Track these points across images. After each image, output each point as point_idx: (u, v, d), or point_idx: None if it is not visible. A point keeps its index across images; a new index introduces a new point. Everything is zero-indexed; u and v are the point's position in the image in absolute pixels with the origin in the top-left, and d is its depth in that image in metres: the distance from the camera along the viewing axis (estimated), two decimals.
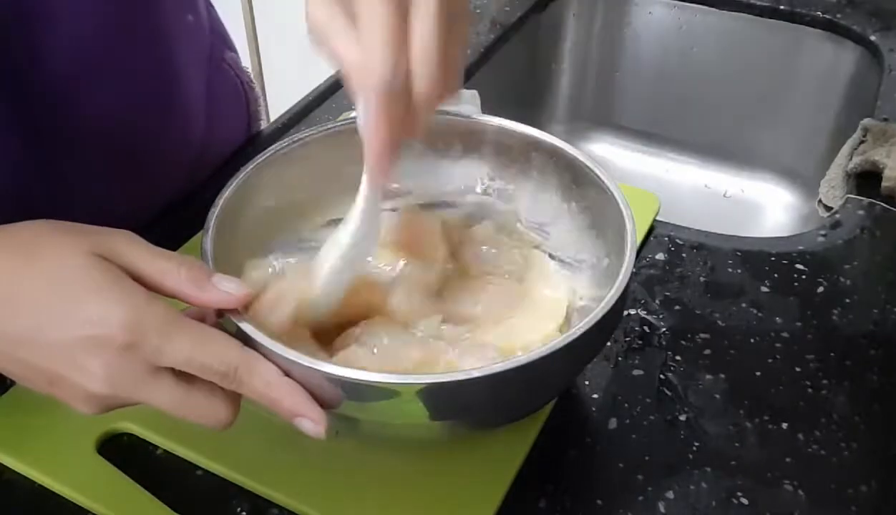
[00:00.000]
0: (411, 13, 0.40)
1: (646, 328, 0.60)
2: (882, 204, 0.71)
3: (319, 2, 0.41)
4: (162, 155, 0.66)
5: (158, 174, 0.67)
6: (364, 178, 0.45)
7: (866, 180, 0.74)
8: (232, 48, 0.76)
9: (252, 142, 0.79)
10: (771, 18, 1.01)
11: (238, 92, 0.76)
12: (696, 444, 0.52)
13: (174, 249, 0.43)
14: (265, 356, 0.41)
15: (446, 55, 0.40)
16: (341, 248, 0.47)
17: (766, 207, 1.08)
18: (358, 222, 0.46)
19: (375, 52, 0.39)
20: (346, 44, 0.40)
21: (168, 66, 0.63)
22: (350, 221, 0.47)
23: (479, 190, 0.59)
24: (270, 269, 0.49)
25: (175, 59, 0.63)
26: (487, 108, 0.57)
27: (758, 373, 0.57)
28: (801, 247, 0.67)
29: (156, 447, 0.52)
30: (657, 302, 0.62)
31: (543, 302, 0.53)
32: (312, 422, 0.40)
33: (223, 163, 0.75)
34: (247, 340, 0.41)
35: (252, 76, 0.79)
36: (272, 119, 0.83)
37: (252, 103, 0.78)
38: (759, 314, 0.61)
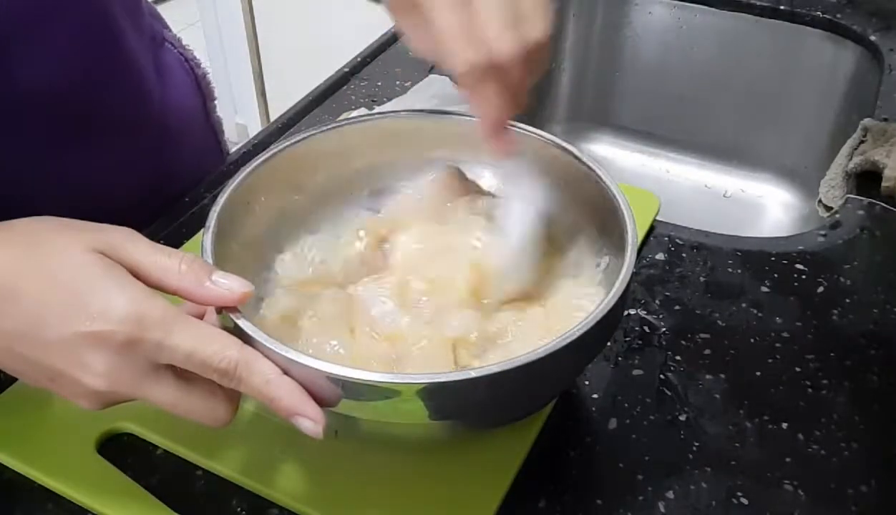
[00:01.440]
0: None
1: (646, 328, 0.60)
2: (882, 204, 0.71)
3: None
4: (118, 121, 0.63)
5: (120, 144, 0.64)
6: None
7: (866, 180, 0.74)
8: (169, 28, 0.74)
9: (252, 143, 0.79)
10: (771, 18, 1.01)
11: (185, 68, 0.74)
12: (696, 444, 0.52)
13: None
14: (264, 354, 0.41)
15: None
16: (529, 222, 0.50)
17: (766, 207, 1.08)
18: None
19: (446, 41, 0.42)
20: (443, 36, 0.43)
21: (107, 24, 0.60)
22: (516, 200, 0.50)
23: None
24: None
25: (114, 16, 0.60)
26: None
27: (758, 373, 0.57)
28: (801, 247, 0.67)
29: (156, 447, 0.51)
30: (657, 302, 0.62)
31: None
32: (311, 421, 0.40)
33: (222, 163, 0.75)
34: (245, 338, 0.41)
35: (252, 74, 0.78)
36: (272, 119, 0.83)
37: (201, 79, 0.75)
38: (759, 314, 0.61)
